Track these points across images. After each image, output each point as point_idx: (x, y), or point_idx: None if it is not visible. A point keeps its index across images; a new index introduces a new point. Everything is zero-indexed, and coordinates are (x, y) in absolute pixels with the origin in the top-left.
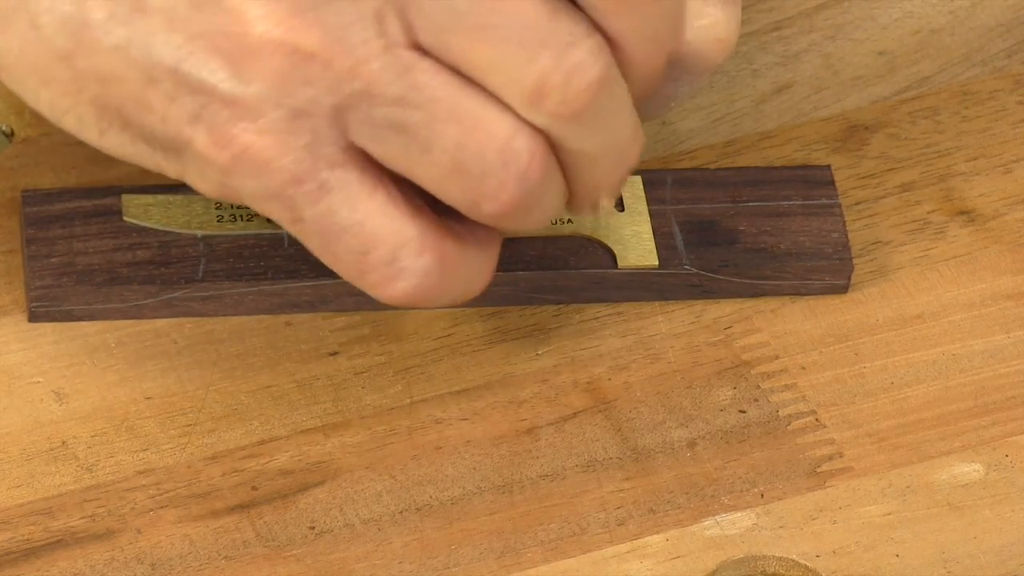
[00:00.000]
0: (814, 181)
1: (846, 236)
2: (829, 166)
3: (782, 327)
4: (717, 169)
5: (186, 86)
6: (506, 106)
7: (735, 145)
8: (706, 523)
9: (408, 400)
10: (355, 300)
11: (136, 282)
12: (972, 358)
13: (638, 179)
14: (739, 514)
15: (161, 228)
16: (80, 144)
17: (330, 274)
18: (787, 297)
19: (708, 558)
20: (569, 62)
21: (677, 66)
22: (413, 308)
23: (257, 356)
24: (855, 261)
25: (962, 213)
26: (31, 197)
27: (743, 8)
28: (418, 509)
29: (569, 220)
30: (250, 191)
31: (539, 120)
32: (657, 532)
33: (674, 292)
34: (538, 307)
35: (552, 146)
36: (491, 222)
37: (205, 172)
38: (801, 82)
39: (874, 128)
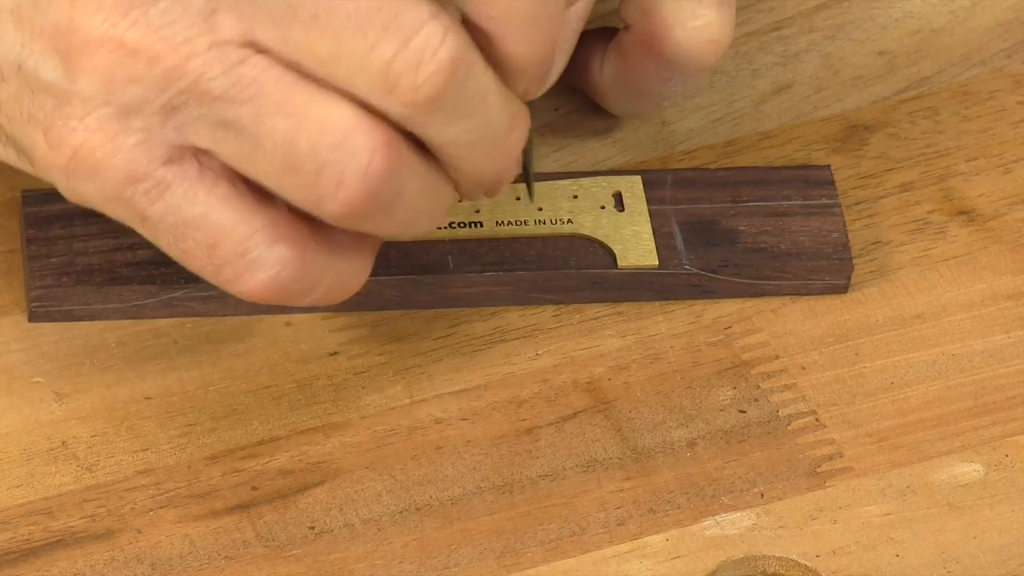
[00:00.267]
0: (814, 181)
1: (846, 236)
2: (829, 166)
3: (782, 327)
4: (717, 169)
5: (28, 85)
6: (352, 99)
7: (735, 145)
8: (706, 523)
9: (408, 400)
10: (355, 300)
11: (136, 282)
12: (972, 358)
13: (638, 179)
14: (739, 514)
15: None
16: None
17: None
18: (787, 297)
19: (708, 558)
20: (415, 45)
21: (669, 66)
22: (282, 303)
23: (257, 356)
24: (855, 261)
25: (962, 213)
26: (31, 197)
27: (743, 8)
28: (418, 509)
29: (569, 220)
30: (92, 194)
31: (395, 110)
32: (657, 532)
33: (674, 292)
34: (538, 307)
35: (418, 139)
36: (344, 223)
37: (53, 177)
38: (801, 82)
39: (874, 128)
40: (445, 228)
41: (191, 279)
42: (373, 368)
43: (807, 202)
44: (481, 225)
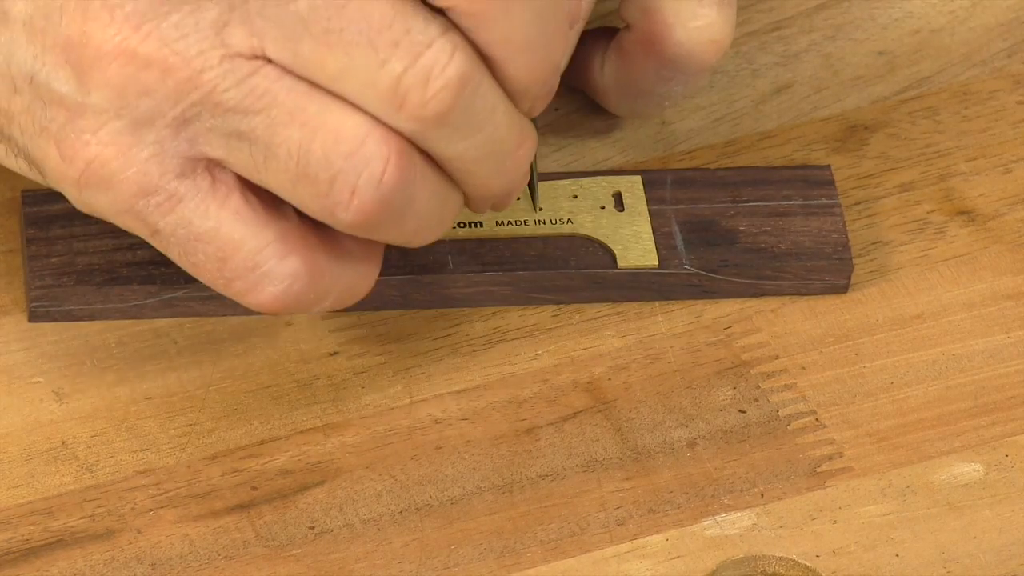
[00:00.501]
0: (814, 181)
1: (846, 236)
2: (829, 166)
3: (782, 327)
4: (717, 169)
5: (40, 97)
6: (364, 112)
7: (735, 145)
8: (706, 523)
9: (408, 400)
10: None
11: (136, 282)
12: (972, 358)
13: (638, 179)
14: (739, 514)
15: None
16: None
17: None
18: (787, 297)
19: (708, 558)
20: (424, 62)
21: (670, 66)
22: (289, 314)
23: (257, 356)
24: (855, 261)
25: (962, 213)
26: (31, 197)
27: (743, 8)
28: (418, 509)
29: (569, 220)
30: (104, 206)
31: (404, 125)
32: (657, 532)
33: (674, 292)
34: (538, 307)
35: (426, 152)
36: (356, 232)
37: (65, 190)
38: (801, 82)
39: (874, 128)
40: None
41: (191, 279)
42: (373, 368)
43: (807, 202)
44: (481, 225)
